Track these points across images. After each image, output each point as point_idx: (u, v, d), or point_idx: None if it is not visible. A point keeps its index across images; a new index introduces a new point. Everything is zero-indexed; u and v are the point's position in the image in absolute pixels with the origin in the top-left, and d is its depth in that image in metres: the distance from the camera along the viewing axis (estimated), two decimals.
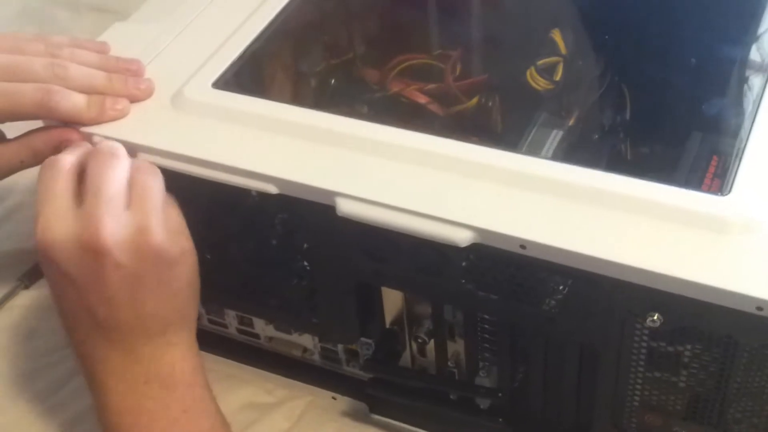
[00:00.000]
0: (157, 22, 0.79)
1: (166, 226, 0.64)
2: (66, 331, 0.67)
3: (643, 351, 0.61)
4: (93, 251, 0.62)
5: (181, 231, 0.66)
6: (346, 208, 0.62)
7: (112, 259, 0.62)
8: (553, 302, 0.61)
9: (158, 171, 0.66)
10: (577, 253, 0.57)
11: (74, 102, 0.69)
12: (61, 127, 0.70)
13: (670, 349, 0.60)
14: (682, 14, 0.79)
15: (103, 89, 0.70)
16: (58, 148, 0.68)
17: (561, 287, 0.60)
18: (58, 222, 0.63)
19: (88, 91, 0.70)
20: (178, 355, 0.66)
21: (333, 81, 0.88)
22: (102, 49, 0.74)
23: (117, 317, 0.64)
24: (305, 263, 0.70)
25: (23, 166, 0.71)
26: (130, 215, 0.63)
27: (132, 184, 0.64)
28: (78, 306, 0.64)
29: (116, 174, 0.64)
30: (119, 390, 0.65)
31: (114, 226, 0.62)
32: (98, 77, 0.71)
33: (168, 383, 0.66)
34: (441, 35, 0.93)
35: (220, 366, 0.83)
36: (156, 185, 0.65)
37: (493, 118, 0.85)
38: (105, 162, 0.64)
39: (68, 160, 0.65)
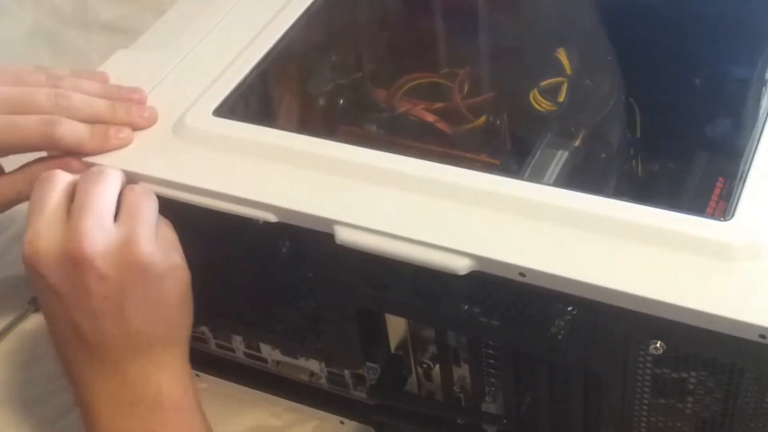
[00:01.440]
0: (159, 49, 0.79)
1: (155, 240, 0.64)
2: (56, 352, 0.67)
3: (647, 378, 0.60)
4: (76, 262, 0.61)
5: (172, 246, 0.65)
6: (344, 236, 0.62)
7: (96, 270, 0.61)
8: (554, 329, 0.60)
9: (152, 193, 0.66)
10: (578, 281, 0.56)
11: (78, 132, 0.69)
12: (60, 157, 0.69)
13: (675, 375, 0.59)
14: (688, 34, 0.78)
15: (107, 118, 0.70)
16: None
17: (562, 315, 0.60)
18: (47, 234, 0.62)
19: (91, 120, 0.70)
20: (166, 376, 0.65)
21: (340, 101, 0.88)
22: (102, 79, 0.74)
23: (102, 333, 0.63)
24: (307, 289, 0.70)
25: (21, 197, 0.70)
26: (118, 227, 0.63)
27: (123, 202, 0.64)
28: (65, 322, 0.64)
29: (104, 189, 0.64)
30: (106, 412, 0.64)
31: (98, 236, 0.62)
32: (101, 106, 0.71)
33: (155, 406, 0.64)
34: (448, 54, 0.93)
35: (228, 390, 0.83)
36: (147, 203, 0.65)
37: (500, 137, 0.84)
38: (94, 178, 0.65)
39: (64, 176, 0.65)
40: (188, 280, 0.66)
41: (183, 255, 0.66)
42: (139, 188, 0.66)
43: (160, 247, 0.64)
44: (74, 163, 0.69)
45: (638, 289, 0.55)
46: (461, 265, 0.59)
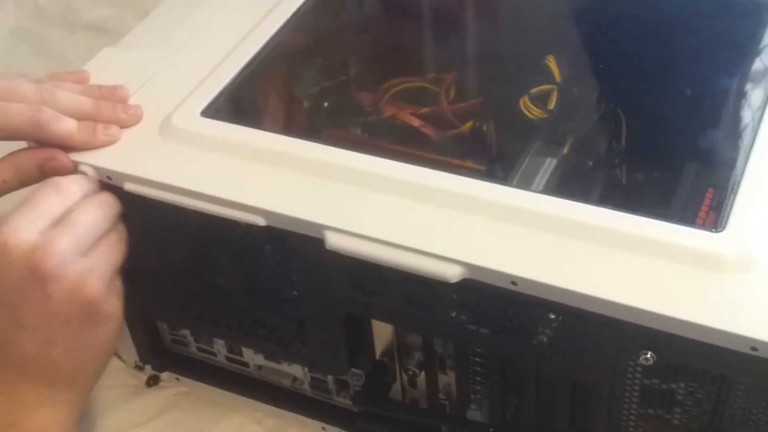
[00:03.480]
0: (146, 48, 0.78)
1: (111, 285, 0.64)
2: None
3: (636, 388, 0.60)
4: (33, 272, 0.61)
5: (119, 295, 0.66)
6: (334, 241, 0.61)
7: (47, 289, 0.61)
8: (544, 338, 0.60)
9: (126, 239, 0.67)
10: (569, 290, 0.56)
11: (65, 124, 0.68)
12: (48, 148, 0.68)
13: (664, 386, 0.59)
14: (679, 44, 0.78)
15: (92, 115, 0.69)
16: (42, 167, 0.67)
17: (552, 323, 0.59)
18: (24, 234, 0.62)
19: (76, 117, 0.69)
20: (55, 416, 0.64)
21: (326, 104, 0.88)
22: (83, 78, 0.73)
23: (20, 346, 0.63)
24: (294, 293, 0.69)
25: (5, 186, 0.69)
26: (87, 257, 0.63)
27: (105, 238, 0.65)
28: None
29: (97, 219, 0.65)
30: None
31: (66, 261, 0.62)
32: (86, 103, 0.70)
33: None
34: (435, 58, 0.92)
35: (208, 394, 0.82)
36: (122, 248, 0.66)
37: (487, 143, 0.84)
38: (96, 205, 0.65)
39: (73, 189, 0.65)
40: (119, 334, 0.66)
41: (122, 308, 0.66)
42: (121, 229, 0.67)
43: (112, 292, 0.64)
44: (61, 156, 0.68)
45: (630, 299, 0.55)
46: (452, 273, 0.58)
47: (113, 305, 0.65)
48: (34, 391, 0.63)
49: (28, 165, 0.68)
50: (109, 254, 0.65)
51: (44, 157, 0.68)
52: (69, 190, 0.65)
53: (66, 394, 0.65)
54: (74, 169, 0.68)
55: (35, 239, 0.62)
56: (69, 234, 0.62)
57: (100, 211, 0.65)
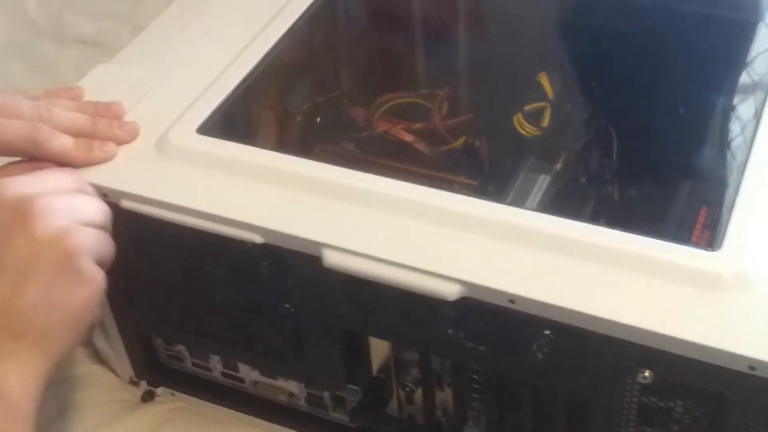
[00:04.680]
0: (141, 64, 0.78)
1: (95, 259, 0.63)
2: None
3: (634, 406, 0.60)
4: (23, 211, 0.61)
5: (102, 274, 0.64)
6: (333, 259, 0.61)
7: (31, 228, 0.61)
8: (541, 356, 0.60)
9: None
10: (567, 308, 0.56)
11: (62, 141, 0.68)
12: (43, 163, 0.68)
13: (662, 404, 0.59)
14: (672, 61, 0.79)
15: (89, 132, 0.69)
16: None
17: (550, 341, 0.60)
18: (25, 184, 0.63)
19: (73, 134, 0.69)
20: (20, 373, 0.60)
21: (318, 120, 0.88)
22: (77, 95, 0.73)
23: None
24: (291, 309, 0.69)
25: None
26: (76, 223, 0.63)
27: (99, 229, 0.65)
28: None
29: (96, 212, 0.65)
30: None
31: (56, 210, 0.62)
32: (82, 120, 0.70)
33: None
34: (428, 74, 0.93)
35: (204, 410, 0.82)
36: (110, 248, 0.66)
37: (479, 159, 0.84)
38: (96, 201, 0.66)
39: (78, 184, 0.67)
40: (97, 302, 0.64)
41: (105, 280, 0.65)
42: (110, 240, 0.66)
43: (94, 263, 0.63)
44: (53, 168, 0.68)
45: (628, 317, 0.56)
46: (451, 291, 0.59)
47: (94, 269, 0.63)
48: None
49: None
50: (99, 239, 0.64)
51: (36, 168, 0.67)
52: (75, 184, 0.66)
53: (32, 353, 0.61)
54: None
55: (31, 190, 0.62)
56: (65, 199, 0.63)
57: (99, 208, 0.65)
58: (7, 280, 0.61)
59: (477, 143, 0.84)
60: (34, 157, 0.68)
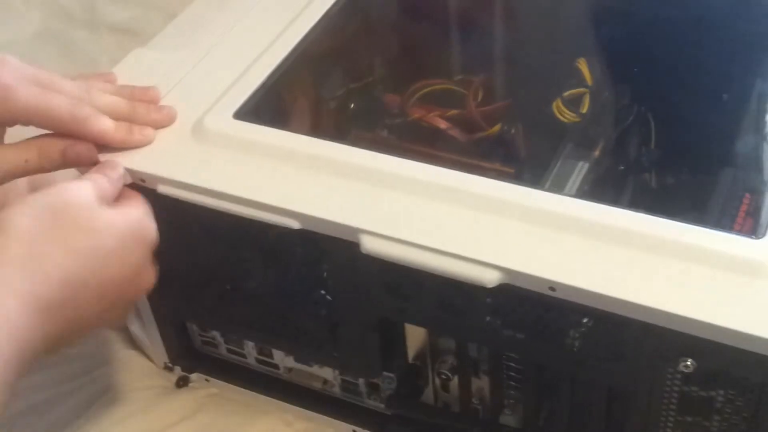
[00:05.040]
0: (176, 49, 0.78)
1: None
2: None
3: (675, 395, 0.59)
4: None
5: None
6: (370, 245, 0.61)
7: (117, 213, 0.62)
8: (580, 344, 0.60)
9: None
10: (608, 296, 0.56)
11: (104, 122, 0.68)
12: (72, 138, 0.68)
13: (703, 394, 0.59)
14: (712, 46, 0.78)
15: (127, 116, 0.69)
16: (65, 152, 0.67)
17: (589, 329, 0.59)
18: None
19: (112, 116, 0.69)
20: (19, 307, 0.56)
21: (352, 106, 0.87)
22: (109, 80, 0.73)
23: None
24: (327, 296, 0.69)
25: (27, 167, 0.67)
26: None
27: None
28: None
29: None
30: None
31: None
32: (121, 104, 0.70)
33: None
34: (463, 61, 0.92)
35: (239, 396, 0.82)
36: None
37: (515, 146, 0.84)
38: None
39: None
40: (124, 310, 0.66)
41: (150, 261, 0.65)
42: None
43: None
44: (86, 143, 0.67)
45: (668, 305, 0.55)
46: (490, 278, 0.58)
47: (151, 273, 0.65)
48: (11, 265, 0.57)
49: (51, 149, 0.67)
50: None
51: (69, 142, 0.67)
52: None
53: (43, 294, 0.57)
54: (96, 160, 0.68)
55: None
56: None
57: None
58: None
59: (513, 130, 0.83)
60: (72, 134, 0.67)
